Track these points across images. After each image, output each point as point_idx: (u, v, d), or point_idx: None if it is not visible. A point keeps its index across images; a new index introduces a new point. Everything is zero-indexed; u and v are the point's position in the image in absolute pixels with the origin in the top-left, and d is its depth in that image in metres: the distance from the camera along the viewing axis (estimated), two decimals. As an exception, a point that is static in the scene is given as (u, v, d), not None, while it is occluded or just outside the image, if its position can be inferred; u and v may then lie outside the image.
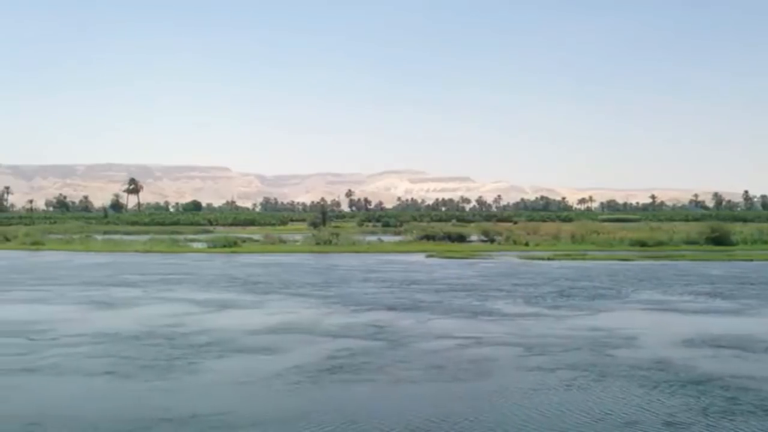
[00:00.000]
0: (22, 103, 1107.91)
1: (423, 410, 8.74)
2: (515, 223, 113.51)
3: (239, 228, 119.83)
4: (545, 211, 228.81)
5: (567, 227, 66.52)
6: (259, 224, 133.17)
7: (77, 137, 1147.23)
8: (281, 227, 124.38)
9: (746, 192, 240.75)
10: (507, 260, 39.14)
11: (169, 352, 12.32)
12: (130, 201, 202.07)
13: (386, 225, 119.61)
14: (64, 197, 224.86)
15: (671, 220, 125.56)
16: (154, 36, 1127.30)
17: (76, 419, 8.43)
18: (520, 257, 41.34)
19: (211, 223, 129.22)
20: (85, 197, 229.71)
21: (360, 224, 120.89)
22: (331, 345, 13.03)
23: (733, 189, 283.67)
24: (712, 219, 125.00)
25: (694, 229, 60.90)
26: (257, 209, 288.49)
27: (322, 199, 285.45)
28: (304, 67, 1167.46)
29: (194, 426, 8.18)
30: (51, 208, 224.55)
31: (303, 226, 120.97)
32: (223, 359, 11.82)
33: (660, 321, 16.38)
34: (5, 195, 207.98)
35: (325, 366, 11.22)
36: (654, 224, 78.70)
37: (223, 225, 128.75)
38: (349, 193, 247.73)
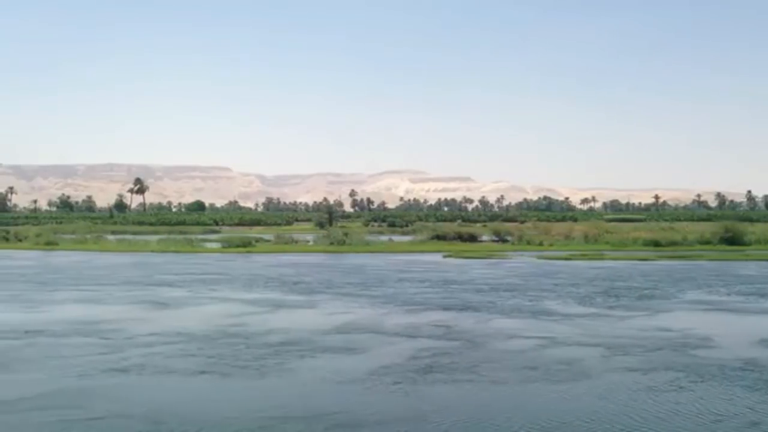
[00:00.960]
0: (22, 103, 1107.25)
1: (545, 411, 8.79)
2: (522, 223, 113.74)
3: (245, 228, 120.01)
4: (548, 211, 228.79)
5: (579, 227, 66.60)
6: (265, 224, 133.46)
7: (78, 137, 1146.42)
8: (287, 227, 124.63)
9: (749, 192, 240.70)
10: (528, 260, 39.18)
11: (252, 352, 12.37)
12: (134, 201, 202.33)
13: (392, 225, 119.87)
14: (68, 197, 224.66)
15: (677, 220, 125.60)
16: (155, 36, 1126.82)
17: (199, 419, 8.48)
18: (539, 257, 41.40)
19: (217, 223, 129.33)
20: (89, 197, 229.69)
21: (366, 224, 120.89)
22: (409, 345, 13.09)
23: (734, 189, 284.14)
24: (718, 219, 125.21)
25: (704, 229, 61.06)
26: (259, 209, 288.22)
27: (325, 199, 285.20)
28: (304, 67, 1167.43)
29: (323, 424, 8.25)
30: (54, 208, 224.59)
31: (308, 226, 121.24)
32: (309, 359, 11.86)
33: (724, 321, 16.46)
34: (9, 195, 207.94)
35: (414, 366, 11.25)
36: (665, 224, 78.79)
37: (229, 225, 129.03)
38: (352, 193, 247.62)
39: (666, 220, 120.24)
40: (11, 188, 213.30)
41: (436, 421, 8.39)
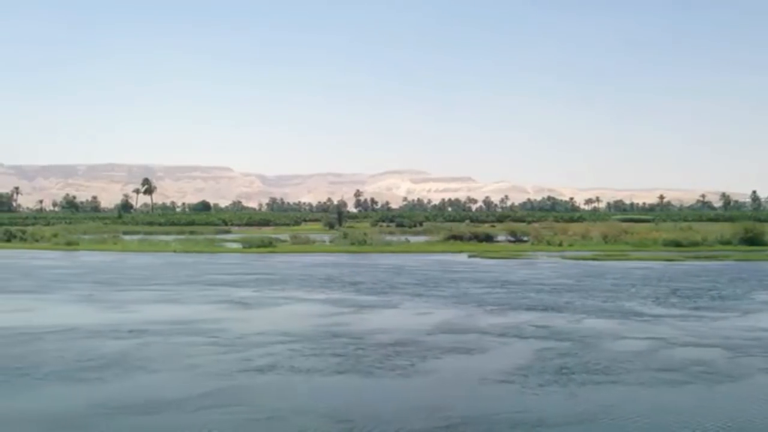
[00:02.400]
0: (23, 103, 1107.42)
1: (724, 411, 8.85)
2: (530, 223, 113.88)
3: (255, 228, 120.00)
4: (553, 211, 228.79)
5: (596, 227, 66.59)
6: (274, 224, 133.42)
7: (79, 137, 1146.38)
8: (296, 227, 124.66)
9: (754, 192, 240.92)
10: (557, 261, 39.10)
11: (373, 352, 12.41)
12: (138, 201, 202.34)
13: (400, 225, 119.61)
14: (74, 197, 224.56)
15: (684, 220, 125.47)
16: (156, 36, 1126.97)
17: (384, 418, 8.53)
18: (565, 257, 41.38)
19: (226, 224, 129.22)
20: (94, 197, 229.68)
21: (374, 224, 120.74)
22: (524, 345, 13.13)
23: (737, 189, 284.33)
24: (726, 220, 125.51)
25: (717, 229, 61.09)
26: (263, 209, 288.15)
27: (329, 199, 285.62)
28: (305, 66, 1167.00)
29: (505, 424, 8.31)
30: (57, 208, 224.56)
31: (317, 226, 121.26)
32: (434, 359, 11.87)
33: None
34: (14, 195, 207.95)
35: (547, 367, 11.28)
36: (683, 225, 78.76)
37: (239, 225, 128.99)
38: (357, 194, 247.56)
39: (674, 221, 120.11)
40: (16, 188, 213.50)
41: (608, 421, 8.45)
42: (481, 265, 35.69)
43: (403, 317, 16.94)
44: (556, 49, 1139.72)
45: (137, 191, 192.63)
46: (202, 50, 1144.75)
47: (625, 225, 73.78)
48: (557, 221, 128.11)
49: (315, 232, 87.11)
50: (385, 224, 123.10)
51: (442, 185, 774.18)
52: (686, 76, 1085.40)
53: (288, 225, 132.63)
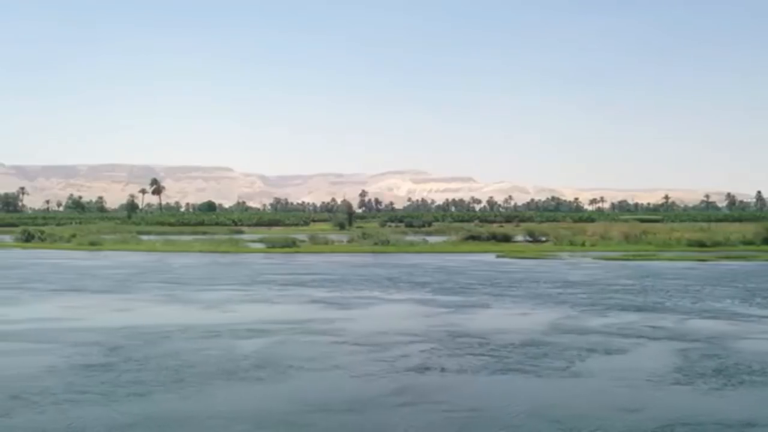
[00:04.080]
0: (24, 103, 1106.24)
1: None
2: (539, 223, 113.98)
3: (264, 228, 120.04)
4: (557, 211, 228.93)
5: (616, 227, 66.47)
6: (284, 224, 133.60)
7: (80, 137, 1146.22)
8: (304, 227, 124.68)
9: (759, 192, 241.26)
10: (591, 261, 38.99)
11: (511, 352, 12.38)
12: (145, 201, 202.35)
13: (409, 225, 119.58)
14: (79, 197, 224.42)
15: (693, 220, 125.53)
16: (157, 36, 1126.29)
17: (581, 417, 8.57)
18: (596, 257, 41.28)
19: (236, 224, 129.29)
20: (100, 197, 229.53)
21: (382, 225, 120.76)
22: (659, 346, 13.09)
23: (737, 190, 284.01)
24: (734, 219, 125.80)
25: (740, 230, 61.00)
26: (267, 209, 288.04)
27: (333, 199, 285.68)
28: (306, 67, 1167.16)
29: (710, 427, 8.36)
30: (61, 208, 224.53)
31: (326, 226, 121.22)
32: (581, 360, 11.83)
33: None
34: (20, 196, 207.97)
35: (699, 367, 11.26)
36: (704, 225, 78.61)
37: (248, 225, 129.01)
38: (363, 194, 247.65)
39: (682, 221, 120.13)
40: (22, 188, 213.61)
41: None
42: (520, 265, 35.56)
43: (505, 317, 16.91)
44: (556, 49, 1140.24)
45: (143, 191, 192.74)
46: (202, 50, 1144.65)
47: (644, 225, 73.63)
48: (565, 221, 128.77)
49: (326, 232, 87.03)
50: (393, 224, 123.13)
51: (442, 185, 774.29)
52: (686, 76, 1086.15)
53: (297, 225, 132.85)
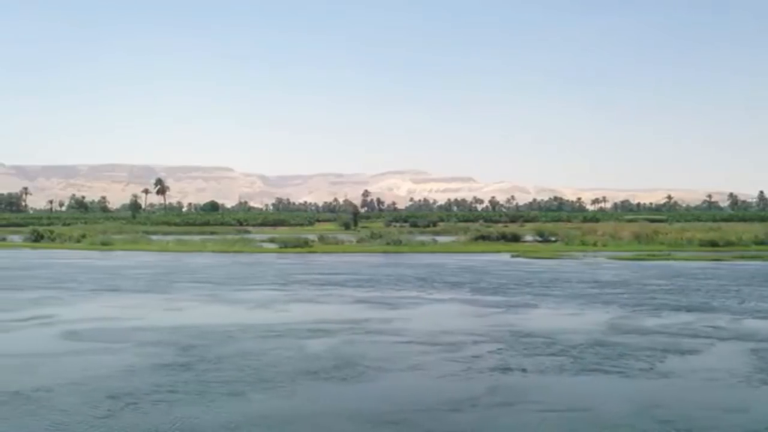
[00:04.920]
0: (24, 103, 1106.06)
1: None
2: (543, 223, 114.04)
3: (270, 228, 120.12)
4: (559, 211, 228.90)
5: (626, 227, 66.55)
6: (288, 224, 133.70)
7: (80, 138, 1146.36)
8: (309, 227, 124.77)
9: (762, 192, 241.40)
10: (606, 261, 39.06)
11: (583, 352, 12.39)
12: (147, 201, 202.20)
13: (414, 225, 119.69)
14: (82, 197, 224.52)
15: (698, 220, 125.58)
16: (157, 36, 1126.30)
17: (691, 418, 8.56)
18: (609, 257, 41.33)
19: (241, 224, 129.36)
20: (103, 197, 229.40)
21: (387, 225, 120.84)
22: (729, 347, 13.08)
23: (738, 189, 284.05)
24: (738, 220, 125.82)
25: (749, 229, 61.10)
26: (269, 209, 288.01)
27: (335, 199, 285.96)
28: (306, 66, 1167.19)
29: None
30: (63, 208, 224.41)
31: (331, 226, 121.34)
32: (659, 360, 11.82)
33: None
34: (23, 196, 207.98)
35: None
36: (714, 225, 78.67)
37: (253, 225, 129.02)
38: (365, 194, 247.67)
39: (687, 221, 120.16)
40: (25, 189, 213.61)
41: None
42: (540, 265, 35.51)
43: (558, 318, 16.88)
44: (557, 49, 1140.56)
45: (146, 191, 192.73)
46: (203, 50, 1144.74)
47: (654, 225, 73.63)
48: (569, 221, 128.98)
49: (332, 232, 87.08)
50: (398, 224, 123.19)
51: (442, 185, 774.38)
52: (686, 76, 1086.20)
53: (302, 225, 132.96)
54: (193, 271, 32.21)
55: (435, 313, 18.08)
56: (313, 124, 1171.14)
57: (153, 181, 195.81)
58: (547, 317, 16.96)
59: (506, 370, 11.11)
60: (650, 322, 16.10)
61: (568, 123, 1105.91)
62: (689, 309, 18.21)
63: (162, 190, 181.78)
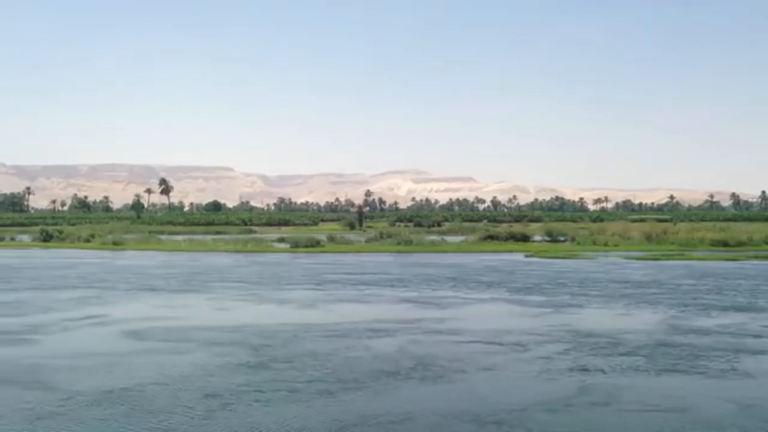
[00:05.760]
0: (24, 103, 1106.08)
1: None
2: (547, 223, 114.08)
3: (274, 228, 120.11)
4: (561, 211, 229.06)
5: (636, 227, 66.56)
6: (293, 224, 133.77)
7: (80, 137, 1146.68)
8: (314, 227, 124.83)
9: (764, 192, 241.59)
10: (623, 260, 38.98)
11: (656, 351, 12.38)
12: (149, 201, 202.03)
13: (418, 225, 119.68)
14: (85, 197, 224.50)
15: (703, 220, 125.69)
16: (157, 36, 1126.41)
17: None
18: (625, 257, 41.25)
19: (245, 223, 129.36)
20: (106, 197, 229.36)
21: (392, 224, 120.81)
22: None
23: (740, 189, 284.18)
24: (744, 220, 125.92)
25: (756, 229, 61.05)
26: (271, 209, 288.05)
27: (337, 199, 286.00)
28: (306, 66, 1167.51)
29: None
30: (65, 208, 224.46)
31: (336, 226, 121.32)
32: (737, 361, 11.76)
33: None
34: (26, 196, 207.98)
35: None
36: (723, 224, 78.63)
37: (258, 225, 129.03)
38: (368, 194, 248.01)
39: (691, 221, 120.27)
40: (28, 188, 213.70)
41: None
42: (563, 265, 35.33)
43: (610, 317, 16.79)
44: (556, 49, 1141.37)
45: (149, 191, 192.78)
46: (203, 50, 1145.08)
47: (663, 225, 73.62)
48: (574, 221, 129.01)
49: (337, 231, 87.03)
50: (402, 224, 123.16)
51: (443, 185, 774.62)
52: (686, 76, 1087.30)
53: (306, 225, 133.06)
54: (220, 271, 32.08)
55: (485, 312, 18.03)
56: (313, 124, 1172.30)
57: (153, 180, 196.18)
58: (599, 317, 16.89)
59: (584, 370, 11.03)
60: (705, 322, 16.04)
61: (568, 123, 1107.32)
62: (738, 309, 18.17)
63: (166, 190, 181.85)
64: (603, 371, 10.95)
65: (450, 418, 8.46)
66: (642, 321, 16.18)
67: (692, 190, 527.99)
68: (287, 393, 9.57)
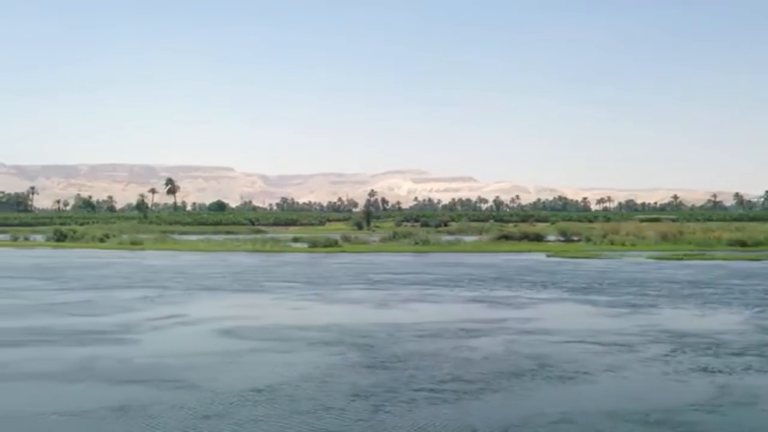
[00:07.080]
0: (24, 103, 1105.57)
1: None
2: (553, 223, 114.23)
3: (282, 228, 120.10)
4: (564, 211, 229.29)
5: (651, 227, 66.64)
6: (300, 224, 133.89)
7: (80, 137, 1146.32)
8: (321, 227, 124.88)
9: (767, 192, 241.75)
10: (649, 260, 38.97)
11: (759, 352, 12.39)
12: (152, 201, 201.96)
13: (425, 225, 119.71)
14: (89, 197, 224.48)
15: (709, 219, 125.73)
16: (156, 36, 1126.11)
17: None
18: (647, 257, 41.26)
19: (253, 223, 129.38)
20: (110, 197, 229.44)
21: (398, 224, 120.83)
22: None
23: (741, 189, 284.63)
24: (749, 220, 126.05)
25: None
26: (273, 209, 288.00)
27: (339, 199, 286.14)
28: (306, 66, 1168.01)
29: None
30: (68, 208, 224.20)
31: (343, 225, 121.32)
32: None
33: None
34: (30, 196, 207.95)
35: None
36: (738, 224, 78.63)
37: (266, 225, 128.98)
38: (372, 193, 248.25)
39: (697, 220, 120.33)
40: (32, 188, 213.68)
41: None
42: (594, 265, 35.14)
43: (693, 318, 16.68)
44: (556, 48, 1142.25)
45: (153, 191, 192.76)
46: (203, 50, 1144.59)
47: (676, 225, 73.77)
48: (580, 221, 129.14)
49: (345, 231, 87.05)
50: (408, 224, 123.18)
51: (443, 185, 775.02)
52: (686, 76, 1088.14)
53: (313, 225, 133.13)
54: (259, 271, 31.98)
55: (563, 312, 17.91)
56: (313, 123, 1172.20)
57: (153, 180, 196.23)
58: (682, 318, 16.72)
59: (706, 371, 10.94)
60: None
61: (569, 122, 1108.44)
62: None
63: (173, 189, 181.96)
64: (724, 372, 10.86)
65: (607, 418, 8.38)
66: (726, 321, 16.09)
67: (693, 189, 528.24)
68: (428, 393, 9.45)
